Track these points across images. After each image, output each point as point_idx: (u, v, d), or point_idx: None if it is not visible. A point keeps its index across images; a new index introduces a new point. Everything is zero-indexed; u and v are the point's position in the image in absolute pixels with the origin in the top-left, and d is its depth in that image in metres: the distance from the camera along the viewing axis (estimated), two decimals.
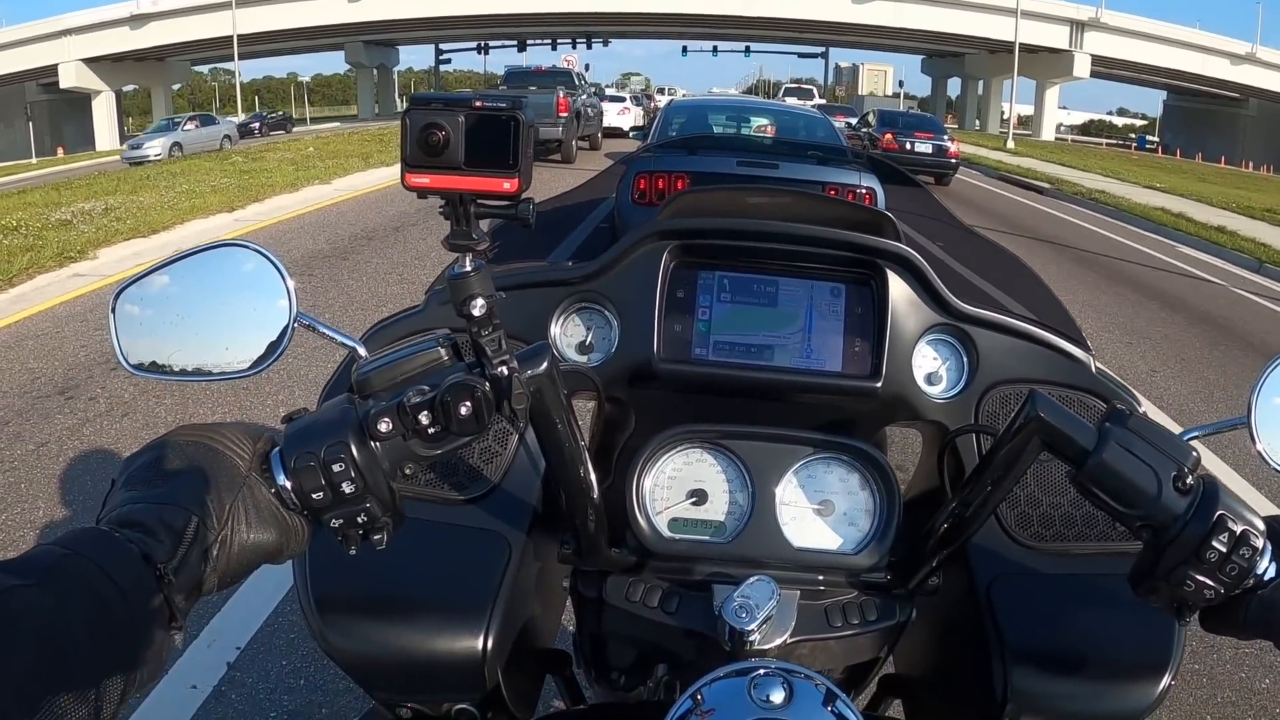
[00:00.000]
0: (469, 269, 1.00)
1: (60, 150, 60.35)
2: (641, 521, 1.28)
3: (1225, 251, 16.08)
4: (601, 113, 31.10)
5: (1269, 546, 1.00)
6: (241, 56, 68.78)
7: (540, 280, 1.46)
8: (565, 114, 24.17)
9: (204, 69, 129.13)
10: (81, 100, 71.45)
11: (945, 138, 24.94)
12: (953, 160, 24.37)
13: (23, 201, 16.99)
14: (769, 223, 1.46)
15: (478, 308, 1.00)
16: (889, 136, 24.66)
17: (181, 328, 1.11)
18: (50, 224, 13.59)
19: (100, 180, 21.12)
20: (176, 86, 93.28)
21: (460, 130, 0.96)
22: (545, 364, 1.05)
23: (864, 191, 7.24)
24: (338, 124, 70.13)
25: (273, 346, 1.09)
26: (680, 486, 1.31)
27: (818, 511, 1.31)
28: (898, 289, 1.40)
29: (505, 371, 1.00)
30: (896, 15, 70.88)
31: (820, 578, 1.31)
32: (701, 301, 1.41)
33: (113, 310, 1.11)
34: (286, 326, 1.09)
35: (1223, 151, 79.15)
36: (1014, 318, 1.48)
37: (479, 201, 1.00)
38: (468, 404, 0.96)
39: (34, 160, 51.29)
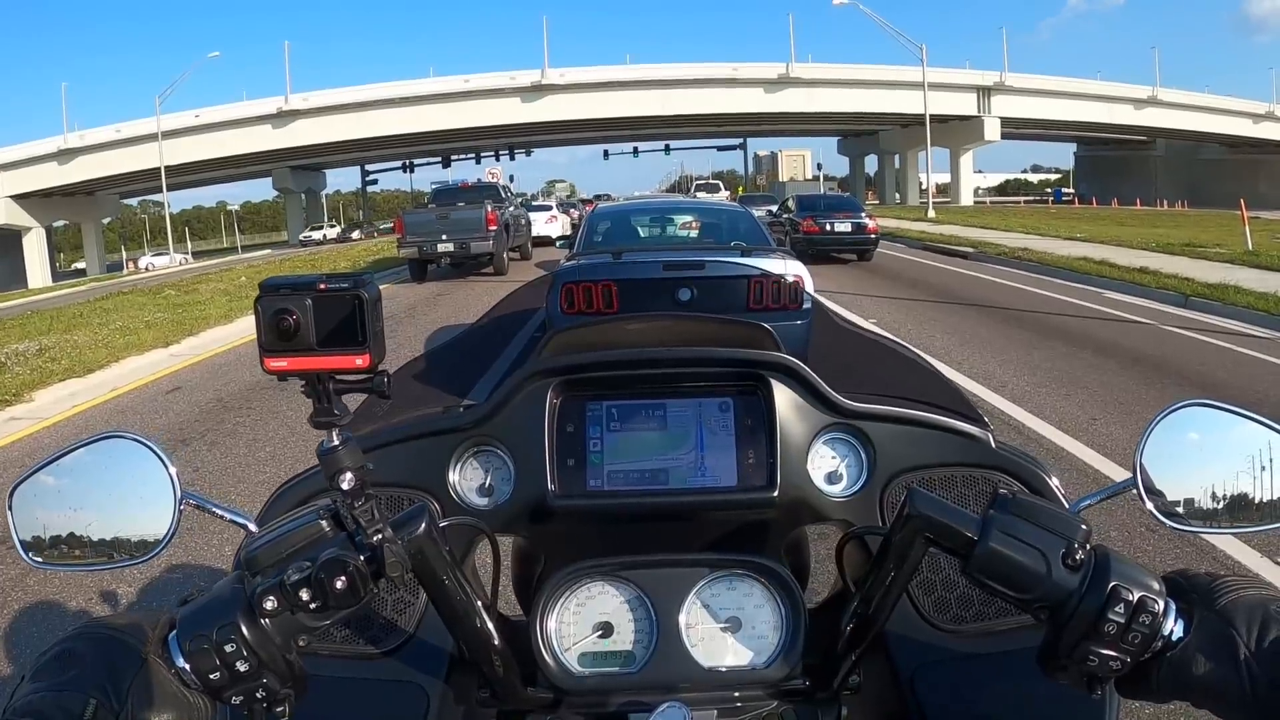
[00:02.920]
0: (336, 443, 1.04)
1: None
2: (550, 661, 1.30)
3: (1150, 291, 16.37)
4: (529, 223, 31.12)
5: (1171, 605, 1.01)
6: (170, 188, 68.94)
7: (432, 430, 1.48)
8: (494, 227, 24.10)
9: (133, 201, 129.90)
10: (11, 238, 71.36)
11: (863, 215, 25.78)
12: (872, 236, 25.19)
13: None
14: (648, 350, 1.48)
15: (347, 481, 1.03)
16: (809, 220, 25.39)
17: (76, 520, 1.16)
18: None
19: (34, 319, 20.94)
20: (107, 220, 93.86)
21: (309, 313, 1.00)
22: (423, 526, 1.10)
23: (791, 279, 7.31)
24: (269, 250, 70.20)
25: (164, 531, 1.15)
26: (586, 620, 1.32)
27: (725, 629, 1.31)
28: (784, 397, 1.42)
29: (380, 540, 1.03)
30: (809, 100, 72.53)
31: (736, 694, 1.32)
32: (592, 433, 1.43)
33: (10, 507, 1.16)
34: (173, 511, 1.14)
35: (1137, 194, 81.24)
36: (906, 406, 1.51)
37: (336, 378, 1.03)
38: (342, 579, 1.00)
39: None
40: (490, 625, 1.21)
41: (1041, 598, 1.04)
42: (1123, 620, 0.99)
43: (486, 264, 24.96)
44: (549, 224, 35.68)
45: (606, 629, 1.31)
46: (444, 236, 23.59)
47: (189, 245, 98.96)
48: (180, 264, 63.83)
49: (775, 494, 1.37)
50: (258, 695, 0.99)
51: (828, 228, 25.05)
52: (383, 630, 1.40)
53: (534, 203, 43.61)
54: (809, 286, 7.37)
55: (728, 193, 71.63)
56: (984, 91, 75.81)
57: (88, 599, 5.14)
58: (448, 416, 1.51)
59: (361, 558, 1.02)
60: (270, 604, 0.99)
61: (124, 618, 1.01)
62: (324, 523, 1.05)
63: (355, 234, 65.58)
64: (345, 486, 1.03)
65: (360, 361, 1.01)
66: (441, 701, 1.34)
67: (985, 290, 17.92)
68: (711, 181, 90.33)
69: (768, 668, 1.30)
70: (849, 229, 25.01)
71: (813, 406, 1.44)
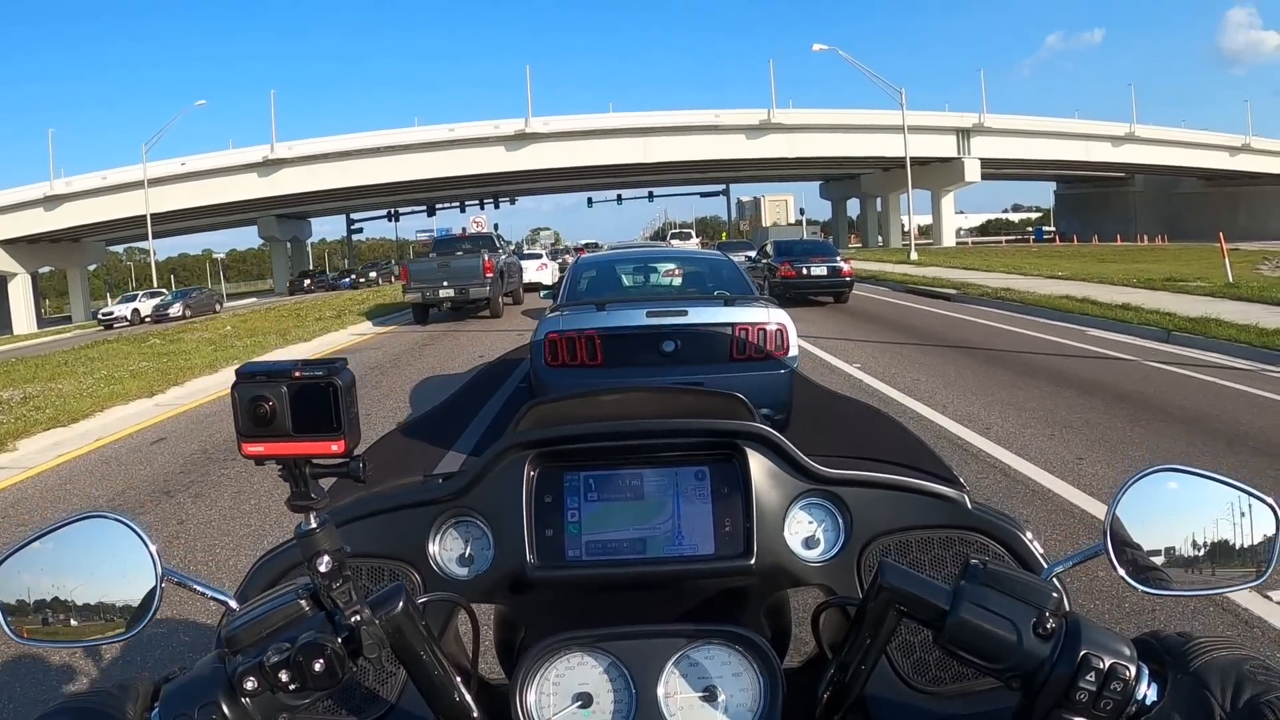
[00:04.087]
0: (313, 526, 1.07)
1: None
2: None
3: (1133, 327, 16.46)
4: (521, 270, 33.52)
5: (1144, 670, 1.02)
6: (156, 235, 69.32)
7: (412, 502, 1.50)
8: (491, 274, 26.16)
9: (119, 249, 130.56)
10: None
11: (838, 259, 26.69)
12: (847, 279, 26.04)
13: None
14: (623, 422, 1.50)
15: (324, 564, 1.06)
16: (786, 265, 26.20)
17: (59, 595, 1.18)
18: None
19: (18, 367, 21.03)
20: (92, 267, 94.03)
21: (285, 400, 1.03)
22: (400, 605, 1.12)
23: (774, 328, 7.33)
24: (254, 299, 70.20)
25: (145, 608, 1.17)
26: (565, 691, 1.32)
27: (703, 698, 1.32)
28: (758, 464, 1.45)
29: (358, 620, 1.06)
30: (791, 145, 73.05)
31: None
32: (570, 504, 1.45)
33: None
34: (154, 589, 1.17)
35: (1117, 230, 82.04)
36: (882, 470, 1.53)
37: (312, 463, 1.06)
38: (321, 661, 1.02)
39: None
40: (469, 699, 1.22)
41: (1013, 667, 1.06)
42: (1094, 688, 1.01)
43: (484, 308, 26.94)
44: (539, 271, 37.83)
45: (586, 699, 1.32)
46: (445, 283, 26.00)
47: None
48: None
49: (752, 561, 1.40)
50: None
51: (804, 272, 25.86)
52: (365, 701, 1.41)
53: (525, 251, 47.50)
54: (793, 335, 7.40)
55: (698, 239, 79.63)
56: (963, 133, 76.50)
57: (67, 671, 5.10)
58: (427, 488, 1.52)
59: (339, 639, 1.04)
60: (250, 684, 1.01)
61: (106, 694, 1.02)
62: (303, 602, 1.07)
63: (372, 274, 66.82)
64: (323, 569, 1.06)
65: (335, 447, 1.04)
66: None
67: (968, 331, 17.99)
68: (684, 230, 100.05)
69: None
70: (825, 272, 25.84)
71: (788, 473, 1.46)
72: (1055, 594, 1.08)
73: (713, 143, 73.30)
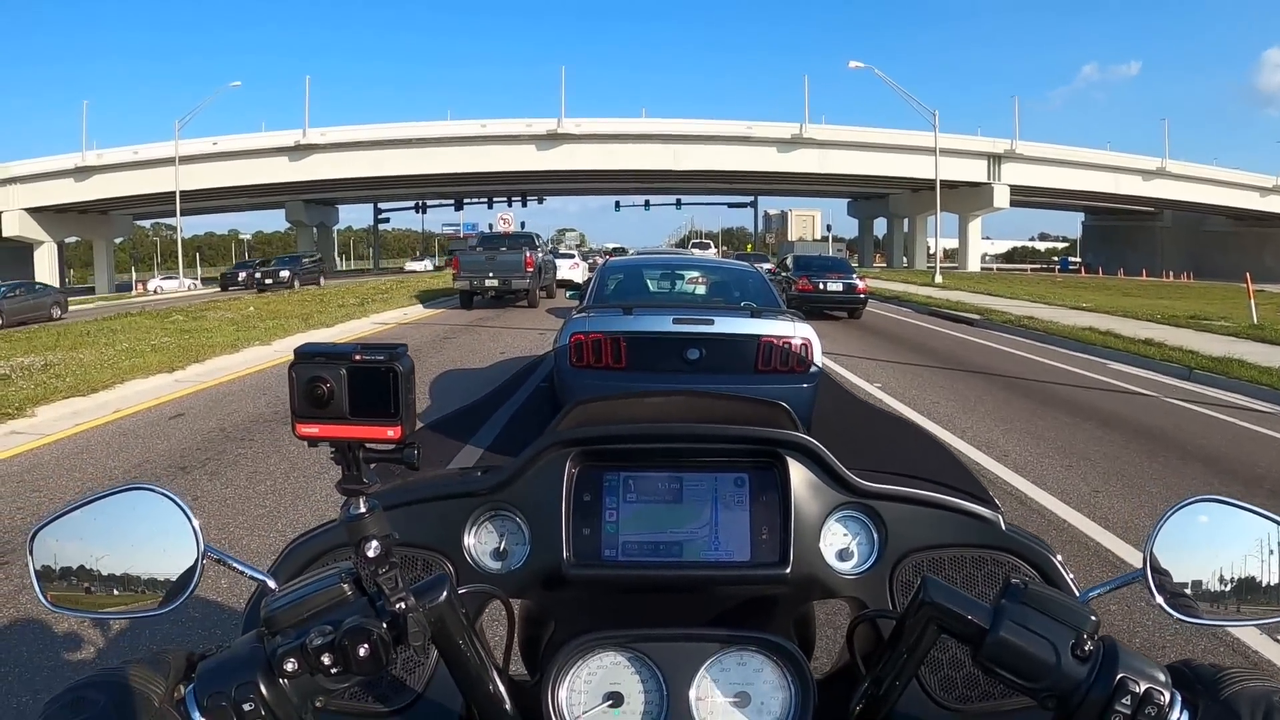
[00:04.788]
0: (363, 511, 1.07)
1: None
2: None
3: (1155, 363, 16.41)
4: (556, 267, 37.34)
5: (1177, 697, 1.03)
6: (184, 212, 69.71)
7: (450, 493, 1.51)
8: (531, 269, 30.31)
9: (146, 223, 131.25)
10: (23, 250, 71.61)
11: (854, 277, 27.83)
12: (861, 295, 27.24)
13: None
14: (667, 424, 1.51)
15: (372, 549, 1.06)
16: (804, 279, 27.28)
17: (98, 567, 1.19)
18: None
19: (40, 334, 21.22)
20: (119, 240, 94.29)
21: (343, 382, 1.03)
22: (444, 594, 1.12)
23: (799, 342, 7.32)
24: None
25: (183, 584, 1.19)
26: (596, 690, 1.33)
27: (734, 704, 1.32)
28: (799, 474, 1.45)
29: (403, 608, 1.05)
30: (821, 161, 72.89)
31: None
32: (608, 503, 1.45)
33: (30, 550, 1.20)
34: (195, 565, 1.18)
35: (1143, 264, 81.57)
36: (918, 487, 1.53)
37: (366, 447, 1.06)
38: (365, 646, 1.02)
39: None
40: (503, 690, 1.23)
41: (1050, 687, 1.07)
42: (1129, 711, 1.02)
43: (523, 297, 30.76)
44: (572, 269, 40.52)
45: (616, 699, 1.32)
46: (490, 274, 29.94)
47: (199, 270, 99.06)
48: (190, 289, 63.83)
49: (788, 570, 1.40)
50: None
51: (821, 286, 26.96)
52: (392, 689, 1.42)
53: (560, 251, 51.00)
54: (817, 350, 7.39)
55: (715, 250, 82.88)
56: (994, 159, 76.24)
57: (98, 643, 5.13)
58: (466, 480, 1.53)
59: (384, 624, 1.04)
60: (291, 665, 1.01)
61: (139, 666, 1.02)
62: (345, 586, 1.07)
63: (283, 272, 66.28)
64: (371, 554, 1.06)
65: (392, 433, 1.05)
66: None
67: (990, 357, 17.96)
68: (704, 241, 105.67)
69: None
70: (840, 289, 27.00)
71: (827, 485, 1.47)
72: (1094, 617, 1.08)
73: (743, 154, 73.19)
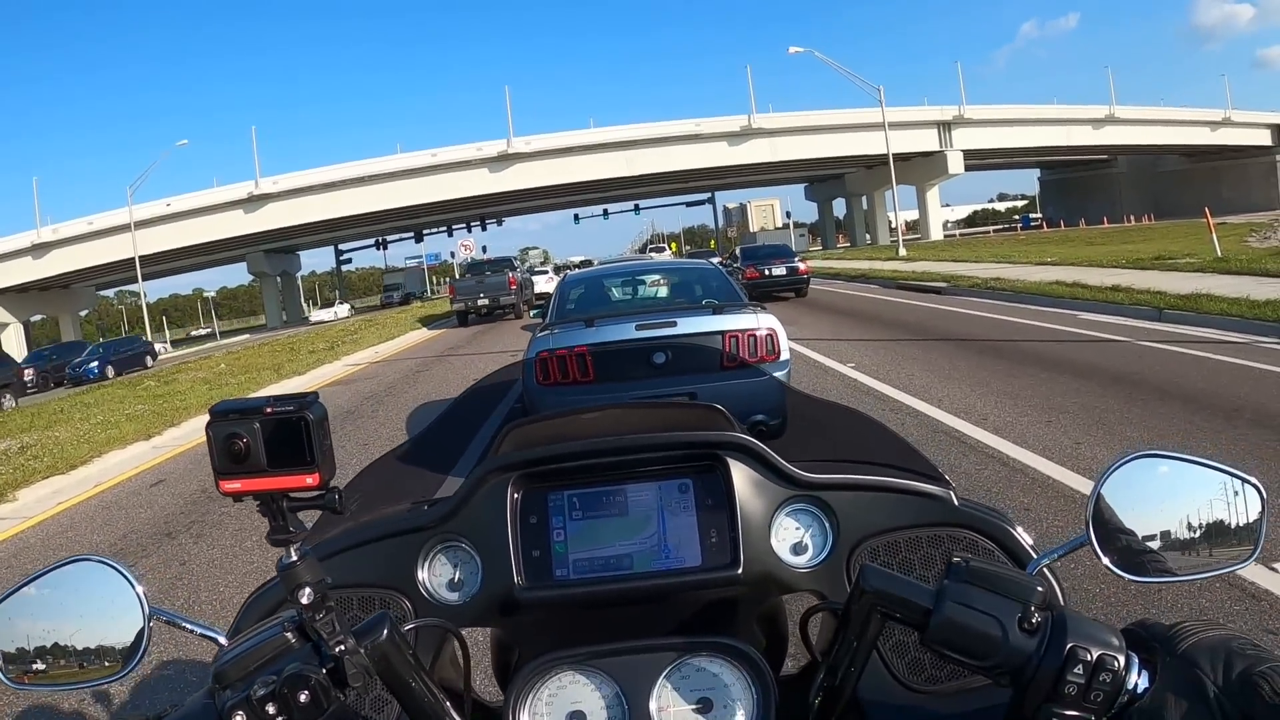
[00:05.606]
0: (294, 559, 1.08)
1: None
2: None
3: (1124, 308, 16.53)
4: (533, 283, 43.45)
5: (1134, 659, 1.02)
6: (146, 277, 69.44)
7: (397, 530, 1.51)
8: (514, 287, 36.53)
9: (110, 293, 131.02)
10: None
11: (795, 260, 31.22)
12: (804, 276, 30.43)
13: None
14: (603, 439, 1.50)
15: (306, 595, 1.07)
16: (751, 267, 30.13)
17: (51, 640, 1.20)
18: None
19: (14, 417, 21.30)
20: (84, 312, 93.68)
21: (258, 436, 1.04)
22: (385, 633, 1.12)
23: (765, 333, 7.31)
24: (247, 335, 70.14)
25: (135, 649, 1.19)
26: (559, 710, 1.33)
27: (697, 710, 1.32)
28: (741, 474, 1.45)
29: (341, 650, 1.06)
30: (773, 150, 73.15)
31: None
32: (555, 523, 1.45)
33: None
34: (142, 629, 1.19)
35: (1103, 212, 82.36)
36: (866, 473, 1.53)
37: (289, 496, 1.07)
38: (305, 693, 1.02)
39: None
40: None
41: (1000, 663, 1.06)
42: (1083, 680, 1.01)
43: (509, 311, 36.48)
44: (548, 283, 43.72)
45: (579, 718, 1.32)
46: (481, 295, 36.17)
47: (167, 334, 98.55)
48: (162, 352, 63.59)
49: (740, 571, 1.40)
50: None
51: (766, 272, 29.87)
52: None
53: (535, 268, 57.78)
54: (784, 339, 7.38)
55: (667, 251, 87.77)
56: (944, 126, 76.65)
57: (63, 713, 5.09)
58: (412, 515, 1.53)
59: (324, 670, 1.04)
60: (239, 719, 1.01)
61: None
62: (290, 635, 1.08)
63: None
64: (305, 600, 1.07)
65: (310, 480, 1.05)
66: None
67: (961, 324, 18.05)
68: (660, 245, 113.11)
69: None
70: (784, 272, 30.14)
71: (771, 481, 1.47)
72: (1040, 588, 1.08)
73: (695, 152, 73.37)
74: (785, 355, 7.30)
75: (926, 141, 75.82)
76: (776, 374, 7.11)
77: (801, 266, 30.55)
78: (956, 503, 1.50)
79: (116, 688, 4.90)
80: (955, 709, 1.38)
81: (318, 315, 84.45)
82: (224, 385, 21.25)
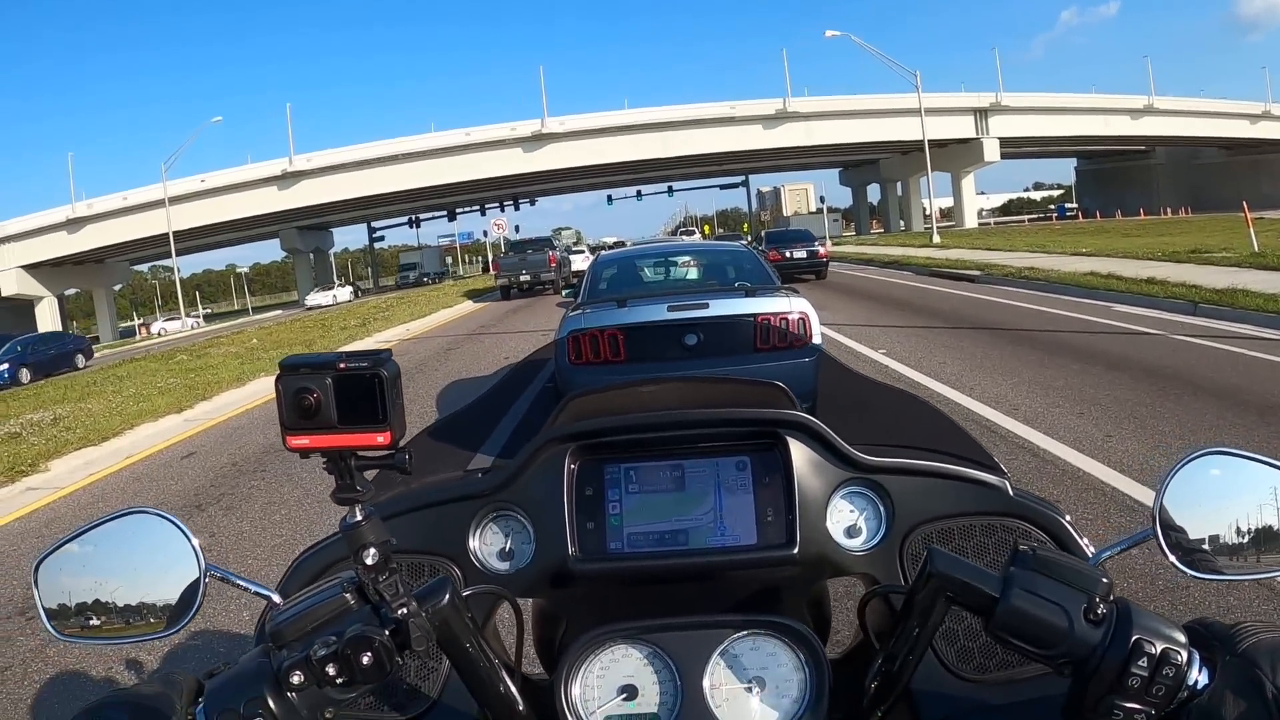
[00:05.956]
0: (359, 519, 1.07)
1: None
2: None
3: (1159, 301, 16.33)
4: (570, 261, 46.84)
5: (1195, 655, 1.02)
6: (179, 252, 70.24)
7: (451, 497, 1.50)
8: (554, 264, 40.73)
9: (143, 267, 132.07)
10: (24, 306, 72.05)
11: (815, 244, 33.37)
12: (823, 259, 32.67)
13: None
14: (664, 413, 1.49)
15: (370, 556, 1.06)
16: (774, 250, 31.37)
17: (101, 593, 1.19)
18: None
19: (47, 389, 21.54)
20: (118, 287, 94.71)
21: (329, 392, 1.03)
22: (446, 597, 1.11)
23: (797, 317, 7.29)
24: (279, 311, 70.54)
25: (187, 605, 1.18)
26: (610, 684, 1.32)
27: (748, 689, 1.31)
28: (800, 453, 1.44)
29: (405, 613, 1.05)
30: (808, 134, 72.87)
31: None
32: (610, 496, 1.44)
33: (35, 582, 1.19)
34: (198, 584, 1.17)
35: (1140, 204, 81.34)
36: (922, 458, 1.51)
37: (358, 455, 1.05)
38: (369, 654, 1.01)
39: None
40: (515, 691, 1.22)
41: (1064, 653, 1.05)
42: (1146, 673, 1.00)
43: (549, 287, 39.69)
44: (584, 262, 44.55)
45: (631, 692, 1.31)
46: (524, 271, 40.64)
47: (200, 309, 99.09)
48: (192, 328, 63.81)
49: (795, 551, 1.39)
50: None
51: (788, 255, 31.41)
52: (407, 696, 1.41)
53: (571, 248, 61.87)
54: (815, 323, 7.36)
55: (698, 234, 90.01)
56: (981, 113, 76.09)
57: (109, 668, 5.15)
58: (467, 482, 1.53)
59: (386, 632, 1.03)
60: (297, 679, 1.01)
61: (150, 687, 1.02)
62: (348, 595, 1.07)
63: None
64: (369, 561, 1.05)
65: (381, 439, 1.04)
66: None
67: (994, 312, 17.92)
68: (690, 228, 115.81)
69: None
70: (805, 255, 32.17)
71: (830, 462, 1.45)
72: (1105, 580, 1.07)
73: (730, 134, 73.18)
74: (817, 339, 7.28)
75: (963, 128, 75.29)
76: (807, 358, 7.09)
77: (821, 250, 32.72)
78: (1012, 493, 1.49)
79: (165, 644, 4.97)
80: (1005, 699, 1.37)
81: (314, 298, 75.41)
82: (256, 360, 21.43)
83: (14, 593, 6.80)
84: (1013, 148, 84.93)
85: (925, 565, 1.12)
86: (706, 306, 7.39)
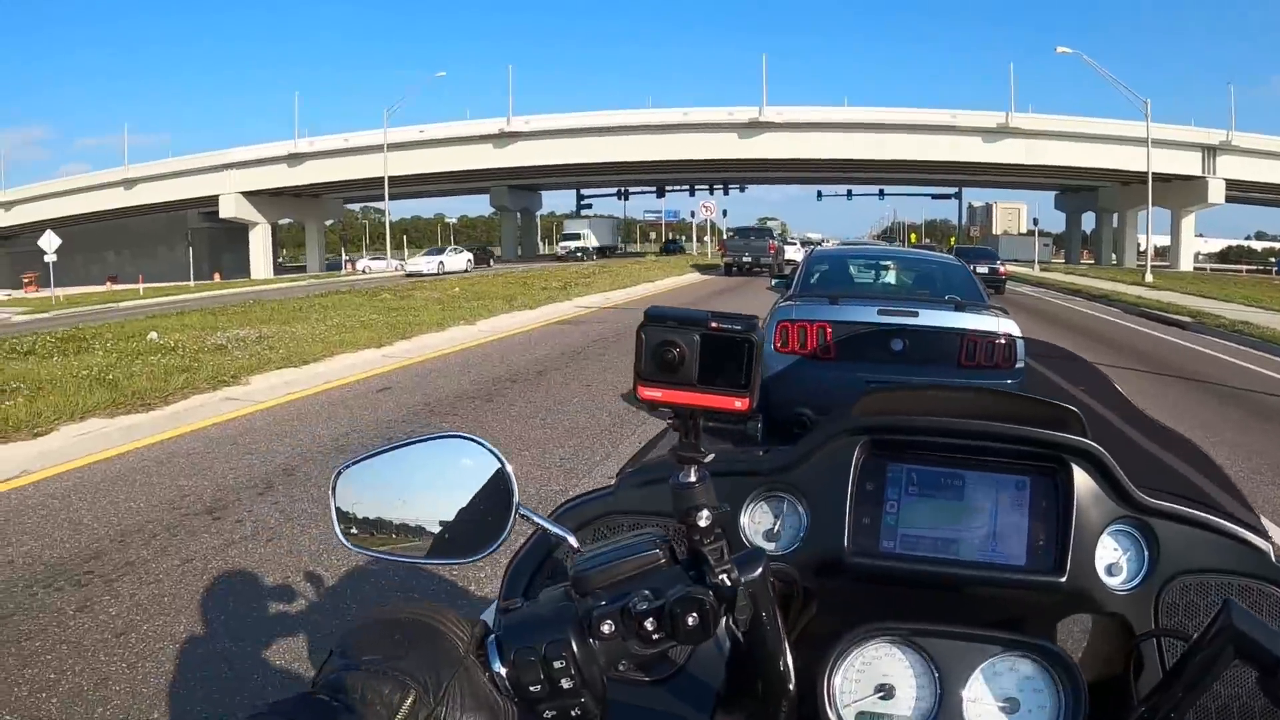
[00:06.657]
0: (694, 480, 1.06)
1: (217, 276, 64.33)
2: (830, 715, 1.30)
3: None
4: (784, 251, 53.66)
5: None
6: (392, 197, 73.08)
7: (733, 470, 1.51)
8: (773, 251, 50.40)
9: (355, 207, 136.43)
10: (239, 230, 76.34)
11: (997, 263, 38.06)
12: (1002, 277, 36.59)
13: (181, 324, 18.11)
14: (961, 421, 1.49)
15: (703, 519, 1.05)
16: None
17: (402, 512, 1.20)
18: (206, 347, 14.37)
19: (255, 309, 22.30)
20: (329, 223, 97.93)
21: (695, 349, 1.03)
22: (760, 570, 1.09)
23: (1002, 340, 7.22)
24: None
25: (493, 535, 1.17)
26: (868, 680, 1.33)
27: (1003, 709, 1.30)
28: (1082, 482, 1.42)
29: (728, 581, 1.04)
30: (1029, 152, 70.56)
31: None
32: (889, 495, 1.45)
33: (333, 489, 1.22)
34: (510, 518, 1.17)
35: None
36: (1194, 507, 1.47)
37: (710, 416, 1.06)
38: (695, 615, 1.00)
39: (192, 284, 54.17)
40: (791, 671, 1.19)
41: None
42: None
43: (767, 270, 43.24)
44: (796, 254, 47.30)
45: (888, 691, 1.32)
46: (746, 254, 50.42)
47: (405, 253, 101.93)
48: (395, 270, 65.53)
49: (1064, 580, 1.37)
50: (573, 713, 1.00)
51: (972, 269, 29.93)
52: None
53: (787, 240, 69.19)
54: (1021, 347, 7.27)
55: (898, 244, 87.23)
56: (1209, 150, 72.27)
57: (285, 576, 5.47)
58: (748, 459, 1.54)
59: (710, 594, 1.02)
60: (608, 628, 1.00)
61: (438, 608, 1.02)
62: (659, 552, 1.05)
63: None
64: (702, 523, 1.04)
65: (740, 404, 1.02)
66: None
67: (1202, 364, 17.12)
68: (890, 235, 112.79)
69: None
70: (987, 271, 33.99)
71: (1107, 496, 1.43)
72: None
73: (947, 144, 71.41)
74: (1021, 364, 7.19)
75: (1188, 165, 71.67)
76: (1010, 380, 7.01)
77: (1001, 269, 37.22)
78: (1275, 559, 1.44)
79: (446, 571, 5.20)
80: None
81: (414, 264, 63.01)
82: (456, 308, 22.09)
83: (204, 491, 7.20)
84: (1239, 191, 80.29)
85: (1219, 615, 1.08)
86: (916, 315, 7.41)
